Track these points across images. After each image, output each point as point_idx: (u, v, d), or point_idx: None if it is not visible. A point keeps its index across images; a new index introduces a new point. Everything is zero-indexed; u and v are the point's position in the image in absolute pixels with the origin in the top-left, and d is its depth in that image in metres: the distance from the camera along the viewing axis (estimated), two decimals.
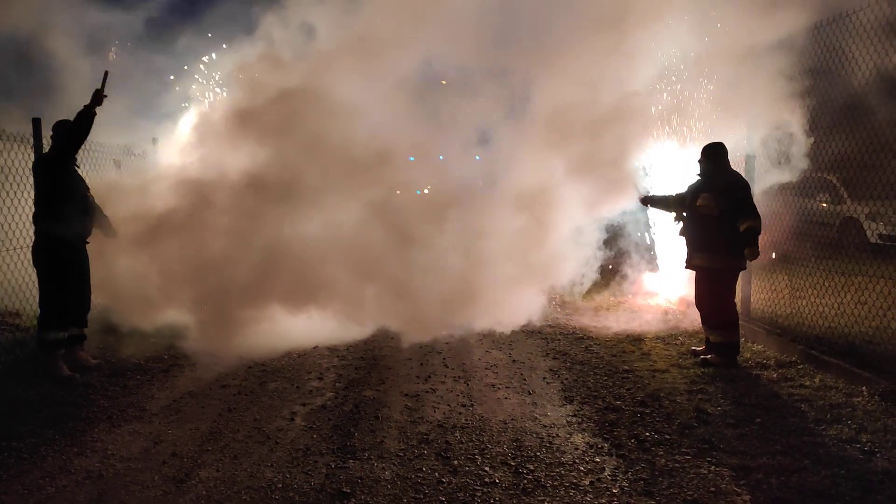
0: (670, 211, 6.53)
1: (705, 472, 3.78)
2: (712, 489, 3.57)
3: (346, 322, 6.79)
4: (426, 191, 8.60)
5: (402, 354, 6.37)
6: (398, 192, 8.71)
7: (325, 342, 6.59)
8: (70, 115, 5.43)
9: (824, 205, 13.35)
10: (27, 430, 4.36)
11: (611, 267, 9.03)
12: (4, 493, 3.51)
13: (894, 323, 5.45)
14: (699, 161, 6.11)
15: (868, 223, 12.44)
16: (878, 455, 3.88)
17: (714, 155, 5.99)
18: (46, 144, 5.76)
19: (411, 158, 9.43)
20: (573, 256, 7.69)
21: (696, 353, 6.08)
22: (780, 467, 3.79)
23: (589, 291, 8.59)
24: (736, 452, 4.02)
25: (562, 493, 3.55)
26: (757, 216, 5.68)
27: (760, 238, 5.72)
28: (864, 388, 4.91)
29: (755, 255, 5.69)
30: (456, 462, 3.94)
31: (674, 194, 6.52)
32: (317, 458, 4.00)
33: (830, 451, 3.97)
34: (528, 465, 3.88)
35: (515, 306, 7.24)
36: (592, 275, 8.39)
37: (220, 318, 6.92)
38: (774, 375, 5.48)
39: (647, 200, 6.89)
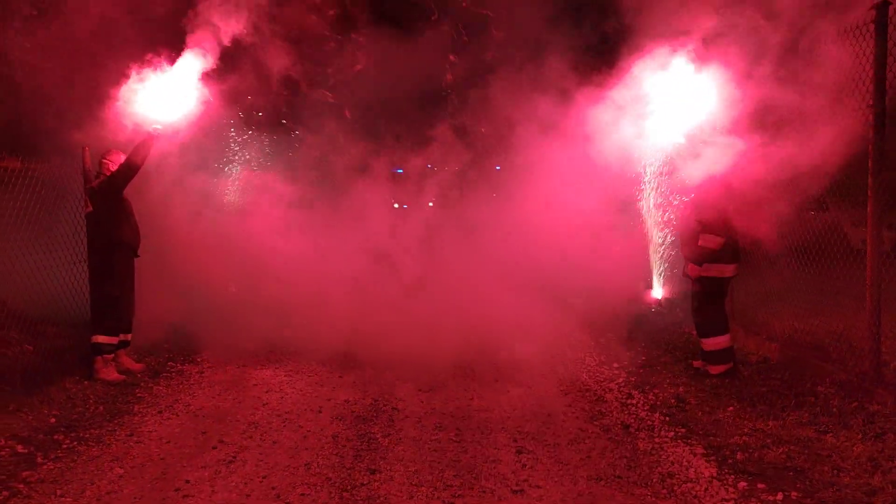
0: None
1: (680, 450, 4.40)
2: (685, 463, 4.18)
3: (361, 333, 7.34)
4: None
5: (413, 358, 6.93)
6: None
7: (346, 348, 7.11)
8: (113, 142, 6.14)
9: (811, 212, 14.01)
10: (89, 423, 4.99)
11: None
12: (83, 473, 4.13)
13: (860, 322, 6.04)
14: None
15: (852, 229, 13.08)
16: (829, 434, 4.49)
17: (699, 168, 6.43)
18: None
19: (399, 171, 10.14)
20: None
21: (695, 368, 6.20)
22: (746, 445, 4.41)
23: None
24: (709, 435, 4.64)
25: (557, 468, 4.17)
26: (716, 234, 5.91)
27: None
28: (827, 378, 5.52)
29: (691, 272, 6.09)
30: (466, 444, 4.56)
31: None
32: (345, 443, 4.62)
33: (791, 432, 4.58)
34: (528, 447, 4.50)
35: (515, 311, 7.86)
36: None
37: (246, 328, 7.58)
38: (750, 371, 6.08)
39: None
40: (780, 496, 3.71)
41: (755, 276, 7.74)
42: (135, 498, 3.83)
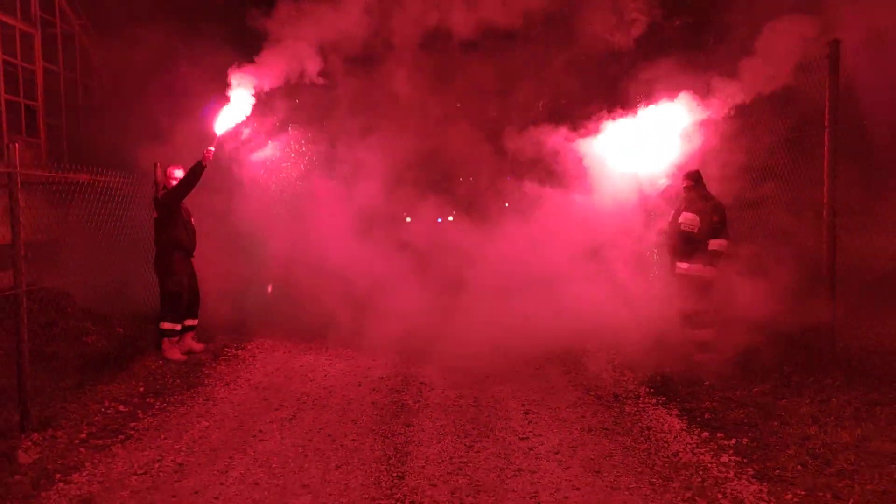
0: None
1: (659, 412, 5.35)
2: (661, 420, 5.14)
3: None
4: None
5: (438, 348, 7.88)
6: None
7: (377, 338, 8.08)
8: (176, 158, 7.27)
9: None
10: (171, 391, 6.03)
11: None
12: (177, 425, 5.17)
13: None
14: (683, 186, 7.51)
15: None
16: (784, 399, 5.41)
17: (696, 180, 7.39)
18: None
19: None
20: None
21: (682, 354, 6.99)
22: (714, 409, 5.35)
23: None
24: (685, 402, 5.59)
25: (556, 424, 5.14)
26: (726, 239, 6.92)
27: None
28: (793, 359, 6.41)
29: (704, 272, 6.96)
30: (482, 408, 5.53)
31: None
32: (383, 407, 5.62)
33: (753, 399, 5.51)
34: (534, 410, 5.47)
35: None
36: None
37: (288, 321, 8.61)
38: (731, 355, 6.97)
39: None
40: (733, 441, 4.66)
41: (744, 273, 8.62)
42: (222, 441, 4.86)
